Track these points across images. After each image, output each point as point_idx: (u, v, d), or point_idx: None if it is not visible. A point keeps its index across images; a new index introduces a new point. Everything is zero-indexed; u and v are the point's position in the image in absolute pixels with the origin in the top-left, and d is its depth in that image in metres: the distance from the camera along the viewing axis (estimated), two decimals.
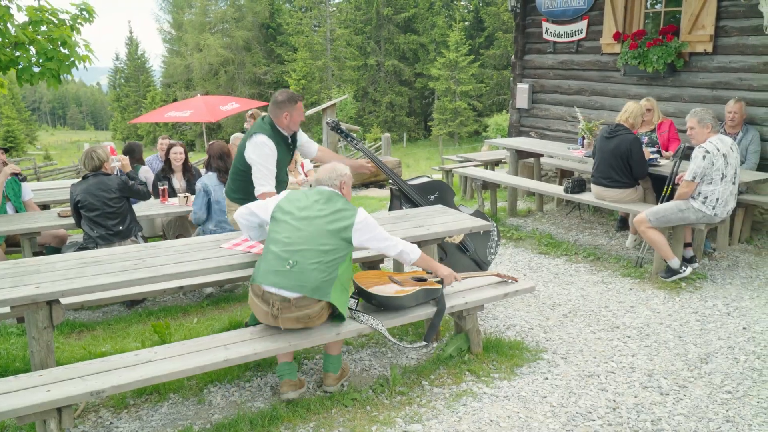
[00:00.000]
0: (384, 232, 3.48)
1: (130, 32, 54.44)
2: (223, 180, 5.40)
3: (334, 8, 44.41)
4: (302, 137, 4.46)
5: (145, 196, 5.33)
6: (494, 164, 9.76)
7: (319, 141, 23.60)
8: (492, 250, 5.23)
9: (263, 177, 4.01)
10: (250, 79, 44.71)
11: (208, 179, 5.46)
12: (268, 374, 3.80)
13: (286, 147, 4.24)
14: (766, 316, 4.55)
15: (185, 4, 48.02)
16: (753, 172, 6.27)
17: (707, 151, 5.05)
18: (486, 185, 7.80)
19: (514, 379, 3.68)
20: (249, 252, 3.72)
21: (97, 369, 2.96)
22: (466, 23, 42.68)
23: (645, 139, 6.66)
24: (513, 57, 9.56)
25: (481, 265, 5.10)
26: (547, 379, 3.67)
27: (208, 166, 5.62)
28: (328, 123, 4.53)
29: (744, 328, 4.37)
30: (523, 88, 9.24)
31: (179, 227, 6.12)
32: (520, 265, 5.98)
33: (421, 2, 42.70)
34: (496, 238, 5.28)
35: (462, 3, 45.22)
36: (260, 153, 4.01)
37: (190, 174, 6.54)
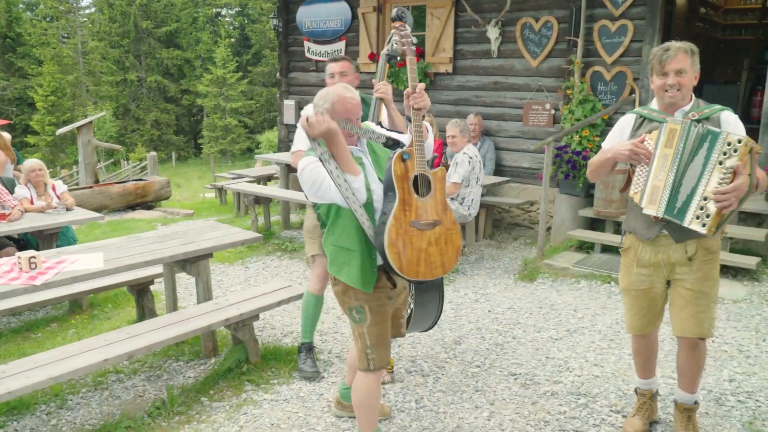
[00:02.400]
0: (319, 177, 2.58)
1: None
2: None
3: (86, 19, 40.93)
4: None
5: None
6: (267, 179, 9.88)
7: (76, 162, 21.52)
8: None
9: None
10: None
11: None
12: (26, 416, 3.44)
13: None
14: (506, 299, 5.29)
15: None
16: (491, 176, 7.26)
17: (470, 157, 5.74)
18: (258, 200, 7.87)
19: (293, 382, 3.81)
20: (9, 285, 3.29)
21: None
22: (233, 40, 42.34)
23: None
24: (279, 74, 9.80)
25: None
26: (323, 377, 3.86)
27: None
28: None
29: (489, 311, 5.03)
30: (289, 105, 9.52)
31: None
32: (296, 275, 6.15)
33: (184, 17, 41.35)
34: None
35: (227, 20, 44.79)
36: None
37: None
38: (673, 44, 2.71)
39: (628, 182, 2.88)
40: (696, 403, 3.05)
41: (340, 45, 8.72)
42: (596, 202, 6.39)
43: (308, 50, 9.13)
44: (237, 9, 43.83)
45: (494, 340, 4.44)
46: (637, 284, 2.95)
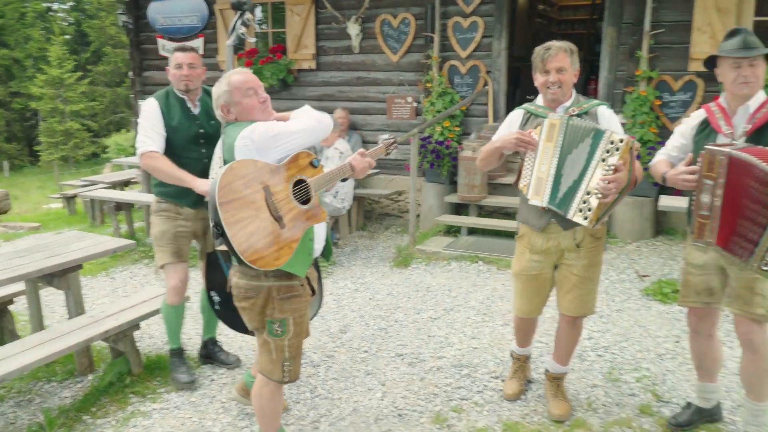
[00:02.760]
0: (290, 126, 2.59)
1: None
2: None
3: None
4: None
5: None
6: (124, 184, 9.36)
7: None
8: None
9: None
10: None
11: None
12: None
13: (184, 112, 3.62)
14: (384, 286, 5.49)
15: None
16: None
17: (341, 152, 5.84)
18: (120, 206, 7.46)
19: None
20: None
21: None
22: (68, 37, 39.18)
23: None
24: (131, 73, 9.31)
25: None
26: (213, 380, 3.80)
27: None
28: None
29: (370, 299, 5.19)
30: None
31: None
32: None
33: (9, 12, 37.57)
34: None
35: (60, 15, 41.32)
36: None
37: None
38: (554, 44, 2.93)
39: (519, 175, 3.07)
40: (565, 373, 3.37)
41: (198, 42, 8.45)
42: (460, 189, 6.78)
43: (163, 48, 8.76)
44: (71, 4, 40.60)
45: (378, 325, 4.60)
46: (528, 270, 3.16)
